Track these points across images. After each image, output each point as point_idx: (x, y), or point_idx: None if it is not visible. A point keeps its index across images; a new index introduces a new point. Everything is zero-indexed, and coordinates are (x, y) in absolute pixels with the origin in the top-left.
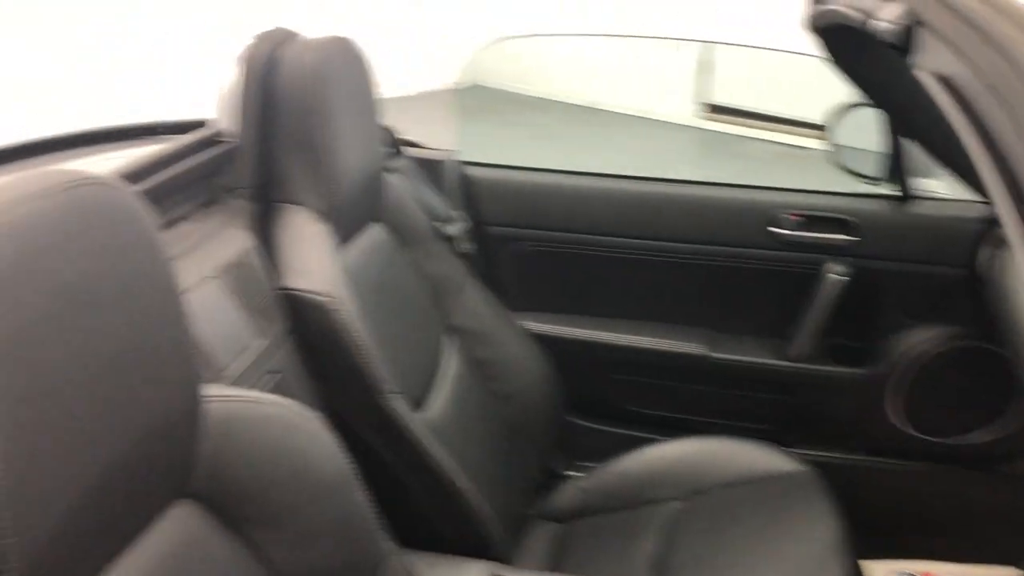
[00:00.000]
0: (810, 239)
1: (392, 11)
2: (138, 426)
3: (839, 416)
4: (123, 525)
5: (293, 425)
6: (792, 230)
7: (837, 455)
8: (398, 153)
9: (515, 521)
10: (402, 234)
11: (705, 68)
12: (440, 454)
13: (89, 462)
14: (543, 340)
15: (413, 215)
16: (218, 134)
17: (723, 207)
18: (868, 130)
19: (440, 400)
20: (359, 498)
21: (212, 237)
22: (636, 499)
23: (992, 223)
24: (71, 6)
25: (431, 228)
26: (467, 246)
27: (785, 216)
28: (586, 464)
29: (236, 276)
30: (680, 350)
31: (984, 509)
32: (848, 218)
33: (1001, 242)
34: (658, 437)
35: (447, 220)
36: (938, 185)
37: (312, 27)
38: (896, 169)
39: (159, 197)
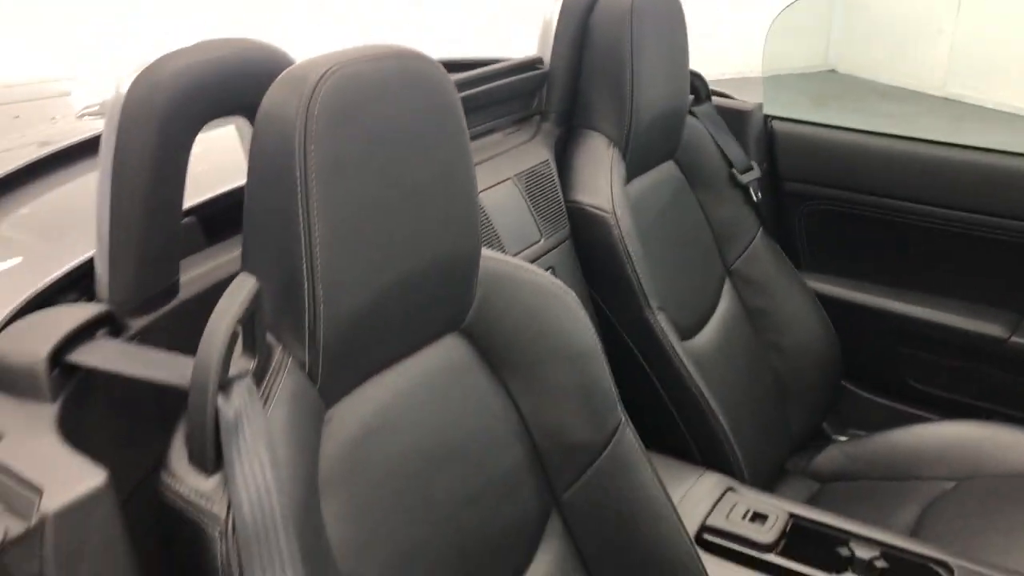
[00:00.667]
0: None
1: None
2: (428, 254)
3: None
4: (406, 336)
5: (552, 294)
6: None
7: None
8: (706, 99)
9: (769, 470)
10: (695, 175)
11: None
12: (697, 376)
13: (386, 269)
14: (827, 301)
15: (710, 159)
16: (536, 61)
17: None
18: None
19: (709, 336)
20: (603, 372)
21: (516, 149)
22: (902, 472)
23: None
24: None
25: (726, 174)
26: (760, 197)
27: None
28: (856, 432)
29: (530, 182)
30: (978, 330)
31: None
32: None
33: None
34: (936, 417)
35: (744, 169)
36: None
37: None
38: None
39: (477, 107)
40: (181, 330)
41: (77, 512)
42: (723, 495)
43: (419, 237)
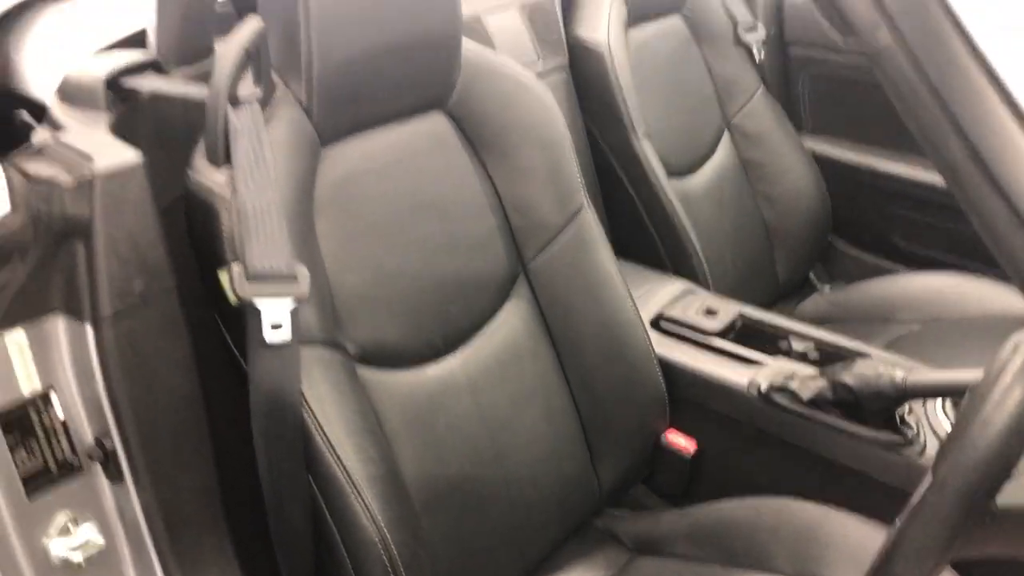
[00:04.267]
0: None
1: None
2: (413, 26)
3: None
4: (396, 100)
5: (528, 87)
6: None
7: None
8: None
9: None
10: (700, 30)
11: None
12: (676, 203)
13: (375, 30)
14: (824, 161)
15: (716, 16)
16: None
17: None
18: None
19: (701, 179)
20: (569, 160)
21: None
22: (876, 316)
23: None
24: None
25: (732, 32)
26: (763, 58)
27: None
28: (839, 283)
29: (534, 13)
30: None
31: None
32: None
33: None
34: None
35: (750, 28)
36: None
37: None
38: None
39: None
40: None
41: (118, 176)
42: (682, 294)
43: (406, 9)
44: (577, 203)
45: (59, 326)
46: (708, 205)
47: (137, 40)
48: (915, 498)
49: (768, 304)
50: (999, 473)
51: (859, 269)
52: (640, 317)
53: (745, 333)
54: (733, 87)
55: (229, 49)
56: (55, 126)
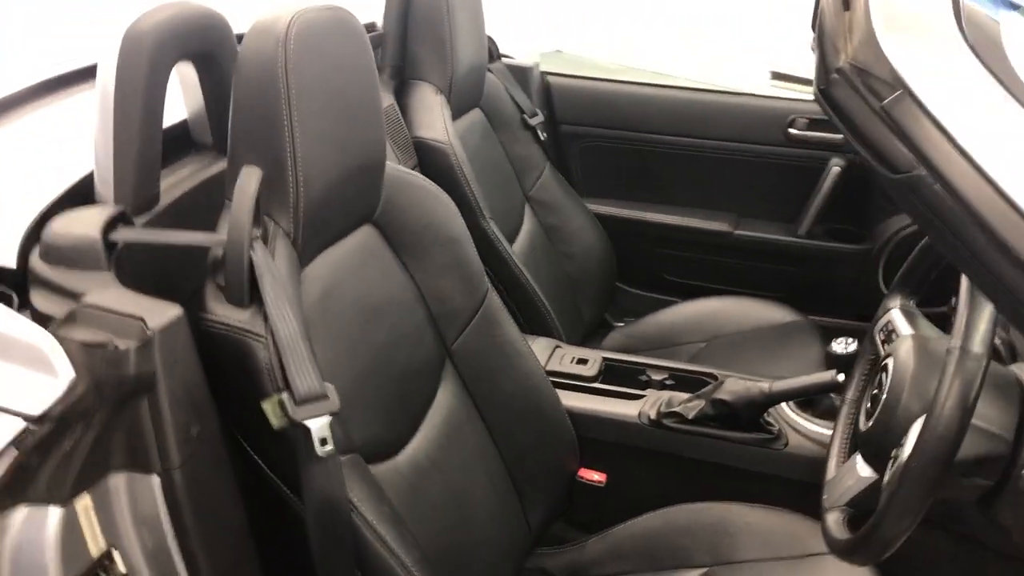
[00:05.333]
0: (817, 138)
1: None
2: (359, 156)
3: (838, 285)
4: (343, 220)
5: (433, 194)
6: (804, 131)
7: (833, 319)
8: (497, 59)
9: (576, 341)
10: (496, 119)
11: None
12: (525, 272)
13: (336, 163)
14: (601, 218)
15: (506, 106)
16: (372, 25)
17: (751, 112)
18: None
19: (519, 247)
20: (472, 253)
21: None
22: (667, 342)
23: None
24: None
25: (519, 119)
26: (545, 137)
27: (800, 119)
28: (630, 319)
29: (385, 120)
30: (710, 227)
31: None
32: None
33: None
34: (682, 300)
35: (531, 114)
36: None
37: None
38: None
39: None
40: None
41: (172, 329)
42: (552, 350)
43: (354, 143)
44: (483, 288)
45: (120, 483)
46: (531, 267)
47: (78, 193)
48: (893, 473)
49: (579, 345)
50: (958, 437)
51: (643, 305)
52: (546, 376)
53: (611, 373)
54: (526, 165)
55: (244, 199)
56: (58, 290)
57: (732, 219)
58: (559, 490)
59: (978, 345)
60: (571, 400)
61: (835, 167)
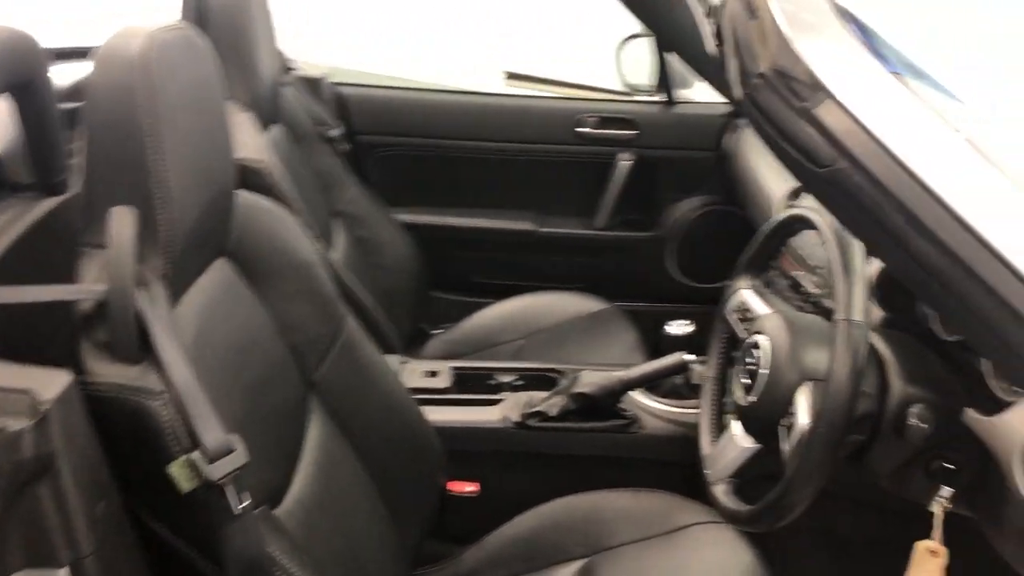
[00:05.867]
0: (605, 135)
1: None
2: (215, 185)
3: (635, 271)
4: (202, 255)
5: (279, 217)
6: (592, 128)
7: (637, 304)
8: (288, 71)
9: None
10: (296, 133)
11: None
12: (350, 285)
13: (196, 197)
14: (409, 227)
15: (303, 120)
16: None
17: (541, 114)
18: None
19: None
20: (324, 277)
21: None
22: (487, 343)
23: (732, 115)
24: None
25: (317, 132)
26: (344, 148)
27: (587, 118)
28: (447, 325)
29: None
30: (515, 227)
31: None
32: (632, 118)
33: (738, 128)
34: (493, 300)
35: (329, 126)
36: (691, 93)
37: None
38: (663, 81)
39: None
40: None
41: (66, 400)
42: (400, 366)
43: (213, 170)
44: (339, 313)
45: None
46: (352, 281)
47: None
48: (794, 441)
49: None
50: (853, 401)
51: (457, 310)
52: (409, 394)
53: (463, 382)
54: (330, 179)
55: (123, 243)
56: None
57: (535, 218)
58: (432, 507)
59: (860, 314)
60: (433, 414)
61: (624, 161)
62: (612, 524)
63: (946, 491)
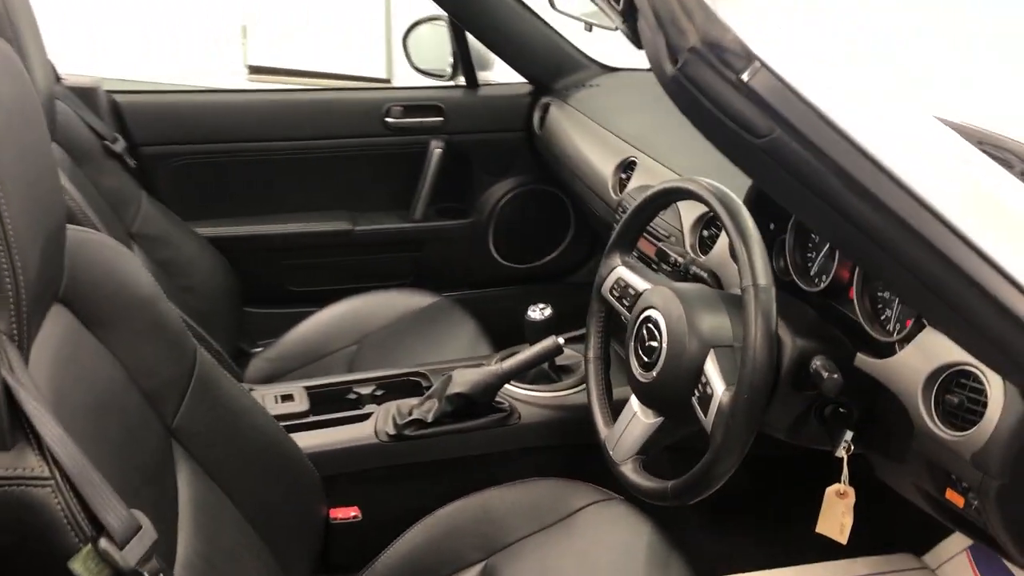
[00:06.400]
0: (414, 124)
1: None
2: (50, 218)
3: (457, 260)
4: (39, 303)
5: (113, 250)
6: (400, 118)
7: (465, 292)
8: (58, 81)
9: None
10: (76, 152)
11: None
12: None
13: (37, 237)
14: (215, 241)
15: (82, 135)
16: None
17: (345, 107)
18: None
19: None
20: (170, 310)
21: None
22: (316, 354)
23: (536, 94)
24: None
25: (100, 147)
26: (132, 162)
27: (394, 107)
28: (268, 341)
29: None
30: (329, 229)
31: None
32: (438, 104)
33: (546, 107)
34: (316, 308)
35: (111, 140)
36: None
37: None
38: (465, 65)
39: None
40: None
41: None
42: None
43: (46, 205)
44: (191, 347)
45: None
46: None
47: None
48: (713, 410)
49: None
50: (772, 363)
51: (277, 323)
52: (278, 424)
53: (321, 402)
54: (121, 198)
55: None
56: None
57: (350, 216)
58: (316, 539)
59: (765, 279)
60: (302, 441)
61: (436, 149)
62: (505, 521)
63: (848, 435)
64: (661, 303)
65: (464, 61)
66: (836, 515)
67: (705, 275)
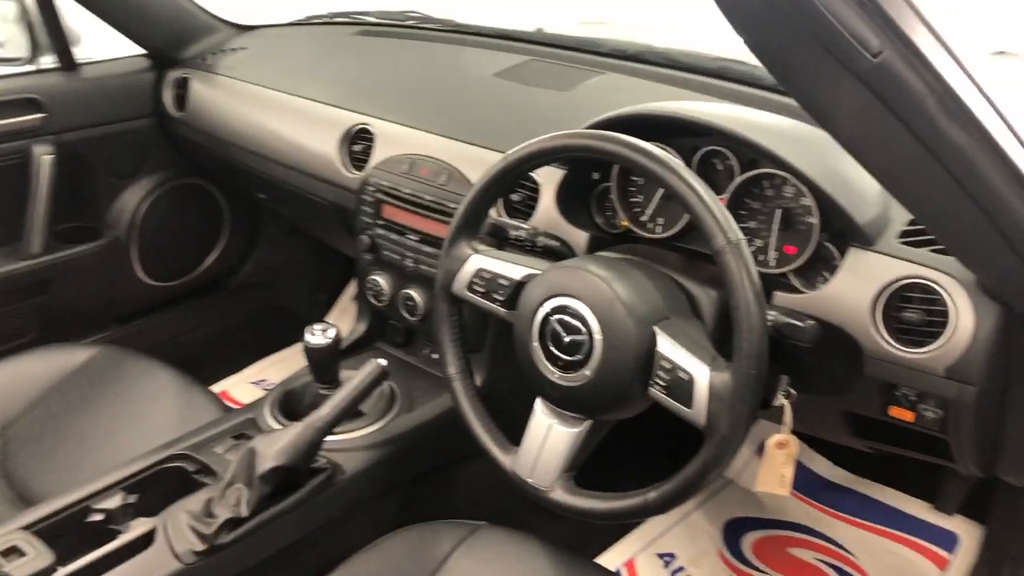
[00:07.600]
0: (4, 127)
1: None
2: None
3: (95, 295)
4: None
5: None
6: None
7: (114, 330)
8: None
9: None
10: None
11: None
12: None
13: None
14: None
15: None
16: None
17: None
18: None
19: None
20: None
21: None
22: None
23: (158, 68)
24: None
25: None
26: None
27: None
28: None
29: None
30: None
31: (234, 324)
32: (34, 96)
33: (183, 82)
34: None
35: None
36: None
37: None
38: (56, 38)
39: None
40: None
41: None
42: None
43: None
44: None
45: None
46: None
47: None
48: (702, 394)
49: None
50: (765, 319)
51: None
52: None
53: (62, 539)
54: None
55: None
56: None
57: None
58: None
59: (736, 233)
60: None
61: (43, 156)
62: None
63: (785, 380)
64: (582, 288)
65: (54, 33)
66: (776, 467)
67: (557, 244)
